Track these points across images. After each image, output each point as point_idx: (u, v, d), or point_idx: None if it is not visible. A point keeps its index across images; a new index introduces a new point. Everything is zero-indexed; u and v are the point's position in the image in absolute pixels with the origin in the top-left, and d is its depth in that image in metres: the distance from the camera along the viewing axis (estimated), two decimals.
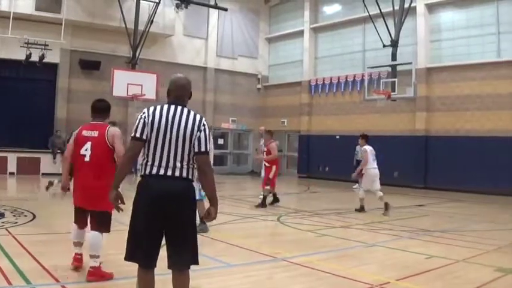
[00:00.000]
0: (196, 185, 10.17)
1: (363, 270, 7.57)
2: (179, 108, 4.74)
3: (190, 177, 4.70)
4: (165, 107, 4.75)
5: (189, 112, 4.76)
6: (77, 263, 6.66)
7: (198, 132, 4.68)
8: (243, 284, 6.56)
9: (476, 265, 7.89)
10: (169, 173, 4.60)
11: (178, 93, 4.84)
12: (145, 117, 4.69)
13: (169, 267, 4.66)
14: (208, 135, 4.81)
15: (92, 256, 6.27)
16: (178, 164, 4.62)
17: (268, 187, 15.32)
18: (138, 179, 4.79)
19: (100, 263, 6.32)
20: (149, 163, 4.64)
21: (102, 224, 6.44)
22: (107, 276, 6.31)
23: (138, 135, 4.67)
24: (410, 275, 7.17)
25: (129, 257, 4.64)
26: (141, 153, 4.78)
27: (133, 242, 4.61)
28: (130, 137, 4.75)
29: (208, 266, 7.17)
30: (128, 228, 4.68)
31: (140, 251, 4.56)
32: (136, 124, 4.74)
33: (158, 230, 4.58)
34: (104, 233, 6.49)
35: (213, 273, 7.01)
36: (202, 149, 4.67)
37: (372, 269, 7.66)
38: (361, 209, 14.79)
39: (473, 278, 7.12)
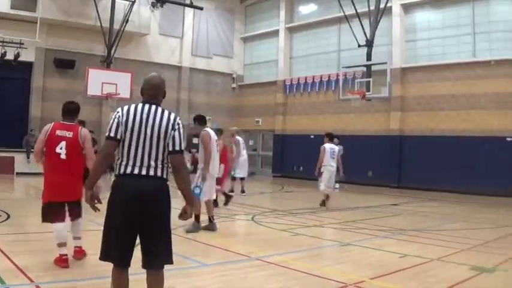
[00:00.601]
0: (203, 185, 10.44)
1: (338, 269, 7.53)
2: (153, 107, 4.69)
3: (165, 176, 4.65)
4: (140, 106, 4.69)
5: (163, 111, 4.71)
6: (65, 264, 6.77)
7: (173, 131, 4.63)
8: (218, 284, 6.47)
9: (451, 264, 7.89)
10: (143, 172, 4.54)
11: (152, 93, 4.79)
12: (119, 116, 4.64)
13: (143, 266, 4.60)
14: (183, 134, 4.74)
15: (76, 238, 7.23)
16: (152, 163, 4.56)
17: (218, 187, 14.92)
18: (113, 178, 4.70)
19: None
20: (123, 162, 4.58)
21: (79, 210, 7.25)
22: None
23: (112, 134, 4.62)
24: (384, 274, 7.15)
25: (103, 257, 4.58)
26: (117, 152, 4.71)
27: (108, 241, 4.54)
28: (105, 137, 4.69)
29: (183, 266, 7.08)
30: (103, 228, 4.61)
31: (115, 250, 4.49)
32: (110, 123, 4.68)
33: (132, 229, 4.52)
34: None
35: (187, 272, 6.92)
36: (177, 147, 4.63)
37: (346, 268, 7.61)
38: (322, 203, 15.70)
39: (447, 276, 7.11)
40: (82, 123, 9.74)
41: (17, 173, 23.69)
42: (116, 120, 4.62)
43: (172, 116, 4.72)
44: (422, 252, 8.79)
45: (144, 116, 4.61)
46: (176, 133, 4.63)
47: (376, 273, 7.15)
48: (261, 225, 11.78)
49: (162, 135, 4.58)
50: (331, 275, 7.00)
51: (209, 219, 10.58)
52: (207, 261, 7.71)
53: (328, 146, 15.66)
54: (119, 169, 4.58)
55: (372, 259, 8.32)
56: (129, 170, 4.53)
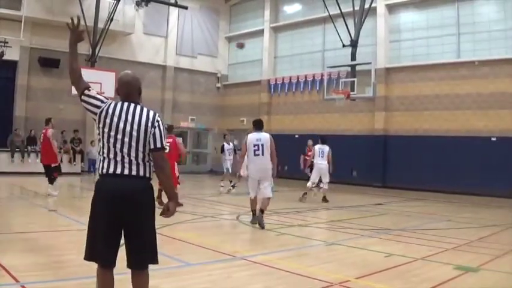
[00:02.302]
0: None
1: (323, 268, 7.51)
2: (132, 105, 4.64)
3: (147, 175, 4.61)
4: (118, 104, 4.64)
5: (142, 109, 4.66)
6: None
7: (153, 129, 4.58)
8: (202, 283, 6.43)
9: (435, 263, 7.90)
10: (126, 171, 4.49)
11: (126, 91, 4.74)
12: (100, 112, 4.60)
13: (128, 266, 4.56)
14: (163, 131, 4.70)
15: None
16: (134, 162, 4.52)
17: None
18: (97, 177, 4.66)
19: None
20: (105, 162, 4.54)
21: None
22: None
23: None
24: (369, 273, 7.14)
25: (88, 257, 4.54)
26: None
27: (92, 241, 4.51)
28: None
29: (168, 265, 7.03)
30: (87, 228, 4.58)
31: (99, 250, 4.45)
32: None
33: (116, 229, 4.47)
34: None
35: (172, 272, 6.87)
36: (158, 145, 4.59)
37: (331, 268, 7.60)
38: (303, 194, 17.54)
39: (432, 276, 7.12)
40: (49, 120, 15.10)
41: (1, 173, 23.50)
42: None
43: (152, 113, 4.66)
44: (407, 251, 8.81)
45: (123, 114, 4.56)
46: (156, 130, 4.59)
47: (361, 273, 7.14)
48: (246, 225, 11.76)
49: (142, 133, 4.53)
50: (316, 275, 6.98)
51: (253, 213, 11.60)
52: (191, 260, 7.66)
53: (317, 146, 17.58)
54: (101, 169, 4.55)
55: (357, 258, 8.31)
56: (111, 170, 4.49)
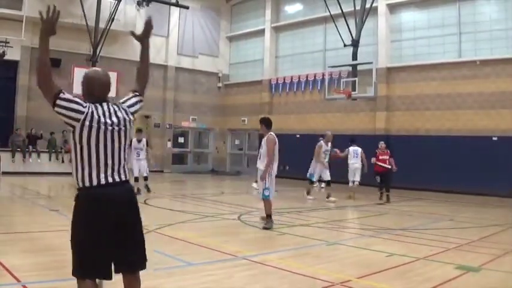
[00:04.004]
0: (261, 184, 11.15)
1: (324, 268, 7.51)
2: (112, 107, 4.34)
3: (128, 177, 4.40)
4: (100, 107, 4.23)
5: (119, 108, 4.39)
6: None
7: (129, 126, 4.38)
8: (204, 283, 6.42)
9: (437, 263, 7.89)
10: (116, 178, 4.25)
11: (104, 92, 4.37)
12: (83, 119, 4.16)
13: (120, 271, 4.31)
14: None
15: None
16: (121, 167, 4.30)
17: None
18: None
19: None
20: (95, 171, 4.16)
21: None
22: None
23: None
24: (371, 273, 7.14)
25: (83, 274, 4.17)
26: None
27: (87, 258, 4.13)
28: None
29: (169, 265, 7.06)
30: (76, 245, 4.20)
31: (98, 267, 4.16)
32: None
33: (112, 242, 4.17)
34: None
35: (173, 272, 6.88)
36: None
37: (332, 267, 7.59)
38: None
39: (433, 275, 7.11)
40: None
41: (3, 173, 23.52)
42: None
43: (124, 110, 4.41)
44: (408, 251, 8.80)
45: (112, 117, 4.26)
46: (131, 124, 4.40)
47: (362, 273, 7.14)
48: (247, 225, 11.75)
49: (127, 135, 4.36)
50: (318, 274, 6.98)
51: (268, 216, 11.33)
52: (192, 260, 7.64)
53: (351, 148, 19.05)
54: (86, 180, 4.15)
55: (358, 258, 8.31)
56: (102, 180, 4.17)
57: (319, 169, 17.88)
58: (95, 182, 4.14)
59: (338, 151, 18.98)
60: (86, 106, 4.13)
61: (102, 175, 4.18)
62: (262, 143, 11.63)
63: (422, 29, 24.94)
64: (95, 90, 4.32)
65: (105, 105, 4.28)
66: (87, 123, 4.09)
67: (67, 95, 4.12)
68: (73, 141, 4.14)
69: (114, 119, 4.26)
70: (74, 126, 4.10)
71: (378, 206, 16.78)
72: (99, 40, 25.63)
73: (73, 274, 4.21)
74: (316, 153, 17.90)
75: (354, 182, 18.91)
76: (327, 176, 17.98)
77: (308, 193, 18.35)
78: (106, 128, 4.18)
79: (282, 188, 21.58)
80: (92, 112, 4.13)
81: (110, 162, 4.22)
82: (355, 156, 18.79)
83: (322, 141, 18.11)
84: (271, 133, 11.63)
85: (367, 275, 7.05)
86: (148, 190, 17.65)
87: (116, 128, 4.26)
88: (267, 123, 11.76)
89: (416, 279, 6.89)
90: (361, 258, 8.34)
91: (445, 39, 23.98)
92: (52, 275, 6.33)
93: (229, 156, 35.07)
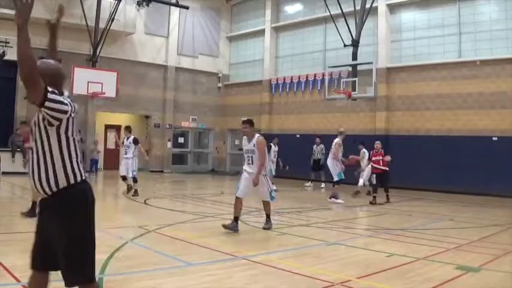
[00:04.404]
0: (266, 187, 11.17)
1: (324, 268, 7.50)
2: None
3: None
4: (67, 99, 4.04)
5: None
6: None
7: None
8: (203, 283, 6.41)
9: (437, 263, 7.89)
10: (85, 174, 4.12)
11: (61, 83, 4.22)
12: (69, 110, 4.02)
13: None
14: None
15: None
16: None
17: None
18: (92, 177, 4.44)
19: None
20: (77, 167, 4.01)
21: None
22: None
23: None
24: (371, 273, 7.13)
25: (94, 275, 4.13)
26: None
27: (92, 257, 4.08)
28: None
29: (169, 265, 7.04)
30: (85, 245, 4.03)
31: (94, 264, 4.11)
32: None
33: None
34: None
35: (173, 272, 6.85)
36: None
37: (332, 267, 7.59)
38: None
39: (433, 276, 7.10)
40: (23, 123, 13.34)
41: (3, 173, 23.48)
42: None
43: None
44: (408, 251, 8.79)
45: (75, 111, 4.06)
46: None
47: (362, 273, 7.13)
48: (247, 225, 11.74)
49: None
50: (318, 274, 6.98)
51: (267, 216, 11.41)
52: (192, 260, 7.63)
53: (363, 149, 20.34)
54: (76, 175, 3.98)
55: (358, 258, 8.30)
56: (83, 175, 4.05)
57: (341, 167, 17.85)
58: (79, 178, 3.99)
59: (355, 157, 19.55)
60: (66, 103, 3.95)
61: (82, 169, 4.05)
62: (250, 145, 11.29)
63: (422, 29, 24.94)
64: (59, 80, 4.23)
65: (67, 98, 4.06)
66: (72, 114, 3.97)
67: (54, 96, 3.91)
68: (56, 136, 3.90)
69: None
70: (60, 120, 3.88)
71: (378, 206, 16.77)
72: (99, 40, 25.65)
73: (89, 277, 4.08)
74: (336, 152, 17.74)
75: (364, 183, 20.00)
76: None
77: (336, 197, 17.58)
78: (74, 118, 4.02)
79: (282, 188, 21.61)
80: (72, 108, 3.99)
81: (80, 154, 4.09)
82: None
83: (339, 139, 18.04)
84: (259, 135, 11.56)
85: (367, 275, 7.04)
86: (129, 191, 17.11)
87: (76, 117, 4.09)
88: (252, 123, 11.60)
89: (416, 279, 6.88)
90: (361, 258, 8.33)
91: (445, 39, 23.98)
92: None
93: (229, 156, 35.02)
